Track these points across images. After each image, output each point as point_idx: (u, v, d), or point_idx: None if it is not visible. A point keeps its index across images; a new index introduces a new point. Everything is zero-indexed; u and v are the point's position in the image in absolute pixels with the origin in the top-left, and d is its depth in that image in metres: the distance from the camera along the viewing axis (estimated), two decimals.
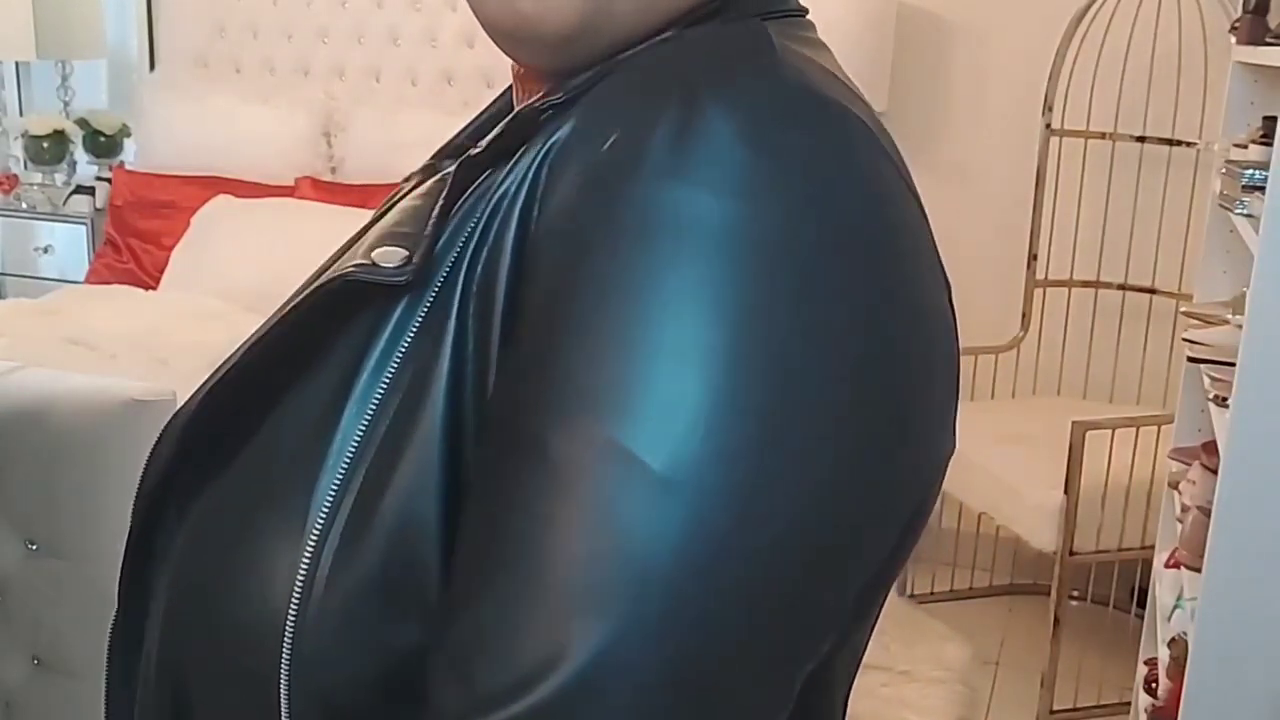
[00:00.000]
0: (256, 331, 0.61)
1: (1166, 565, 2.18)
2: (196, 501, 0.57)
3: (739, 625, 0.44)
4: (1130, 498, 2.56)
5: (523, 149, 0.54)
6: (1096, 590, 2.96)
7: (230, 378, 0.56)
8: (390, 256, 0.52)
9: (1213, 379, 1.86)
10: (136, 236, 3.53)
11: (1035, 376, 3.13)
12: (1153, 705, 2.07)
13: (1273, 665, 1.63)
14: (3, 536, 1.59)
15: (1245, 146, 2.06)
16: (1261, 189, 1.71)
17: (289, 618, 0.50)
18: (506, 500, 0.46)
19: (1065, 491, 2.54)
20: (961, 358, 0.53)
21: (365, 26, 3.56)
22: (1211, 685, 1.66)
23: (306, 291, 0.55)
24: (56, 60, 3.99)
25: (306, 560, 0.50)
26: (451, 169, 0.57)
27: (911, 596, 3.09)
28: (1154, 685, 2.09)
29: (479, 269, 0.51)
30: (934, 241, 0.51)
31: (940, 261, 0.52)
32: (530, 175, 0.51)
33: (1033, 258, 3.05)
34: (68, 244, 3.78)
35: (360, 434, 0.51)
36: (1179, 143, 2.94)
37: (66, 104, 4.10)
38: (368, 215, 0.67)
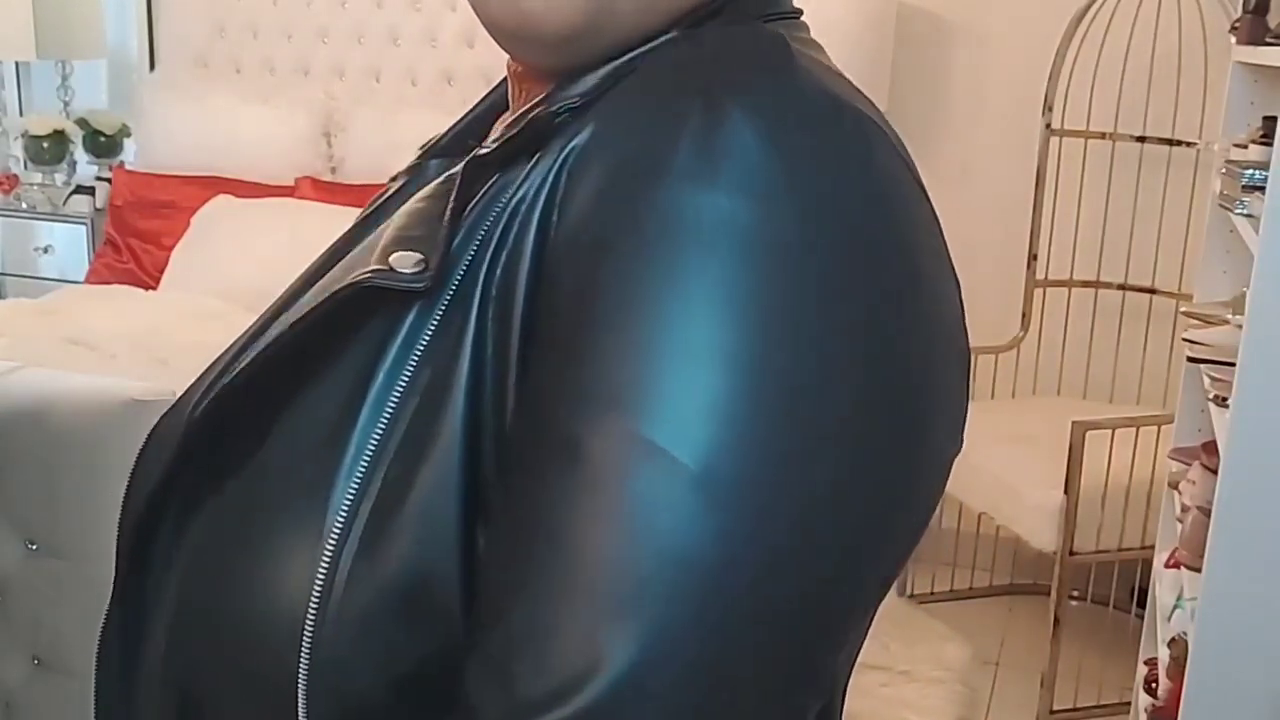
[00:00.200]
0: (249, 330, 0.61)
1: (1166, 565, 2.18)
2: (201, 506, 0.57)
3: (772, 617, 0.45)
4: (1130, 498, 2.56)
5: (536, 153, 0.54)
6: (1096, 590, 2.96)
7: (238, 382, 0.56)
8: (406, 261, 0.52)
9: (1213, 379, 1.86)
10: (136, 236, 3.53)
11: (1035, 376, 3.13)
12: (1153, 705, 2.07)
13: (1273, 665, 1.63)
14: (3, 536, 1.59)
15: (1245, 146, 2.06)
16: (1261, 189, 1.71)
17: (307, 622, 0.50)
18: (540, 501, 0.46)
19: (1065, 491, 2.54)
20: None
21: (365, 26, 3.56)
22: (1211, 685, 1.66)
23: (323, 297, 0.54)
24: (56, 60, 3.99)
25: (325, 564, 0.50)
26: (459, 170, 0.57)
27: (911, 596, 3.09)
28: (1154, 685, 2.09)
29: (498, 273, 0.52)
30: (945, 241, 0.53)
31: (951, 261, 0.53)
32: (549, 181, 0.51)
33: (1033, 258, 3.05)
34: (68, 244, 3.78)
35: (377, 438, 0.51)
36: (1179, 143, 2.94)
37: (66, 104, 4.09)
38: None
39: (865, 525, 0.47)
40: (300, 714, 0.50)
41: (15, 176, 3.94)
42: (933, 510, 0.52)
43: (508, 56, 0.61)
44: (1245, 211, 1.87)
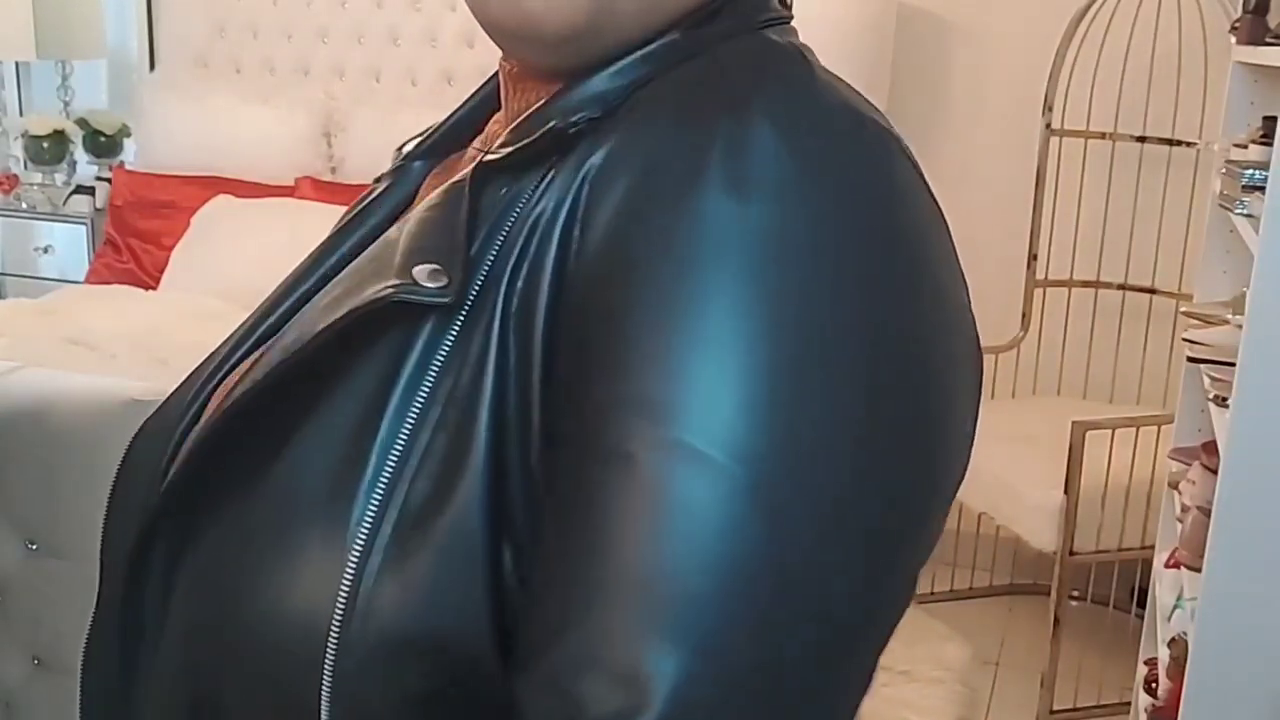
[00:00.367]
0: (237, 332, 0.61)
1: (1166, 565, 2.18)
2: (211, 519, 0.56)
3: (823, 614, 0.46)
4: (1130, 498, 2.56)
5: (550, 161, 0.54)
6: (1096, 590, 2.96)
7: (250, 395, 0.55)
8: (427, 274, 0.52)
9: (1213, 379, 1.86)
10: (136, 236, 3.53)
11: (1035, 376, 3.13)
12: (1153, 705, 2.07)
13: (1273, 665, 1.63)
14: (3, 536, 1.59)
15: (1245, 146, 2.06)
16: (1261, 189, 1.71)
17: (331, 633, 0.50)
18: (591, 518, 0.46)
19: (1065, 491, 2.54)
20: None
21: (365, 26, 3.56)
22: (1211, 685, 1.66)
23: (341, 312, 0.53)
24: (56, 60, 3.99)
25: (348, 580, 0.50)
26: (466, 175, 0.56)
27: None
28: (1154, 685, 2.09)
29: (519, 286, 0.51)
30: (954, 243, 0.54)
31: (961, 268, 0.54)
32: (570, 196, 0.51)
33: (1033, 258, 3.05)
34: (68, 244, 3.78)
35: (398, 451, 0.51)
36: (1179, 143, 2.94)
37: (66, 104, 4.09)
38: None
39: (903, 514, 0.49)
40: None
41: (15, 176, 3.94)
42: (954, 496, 0.53)
43: (500, 55, 0.61)
44: (1245, 211, 1.87)
